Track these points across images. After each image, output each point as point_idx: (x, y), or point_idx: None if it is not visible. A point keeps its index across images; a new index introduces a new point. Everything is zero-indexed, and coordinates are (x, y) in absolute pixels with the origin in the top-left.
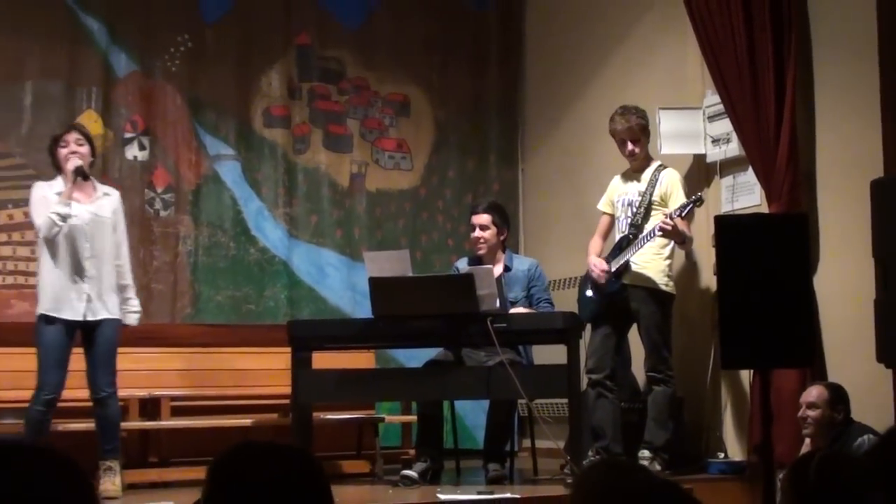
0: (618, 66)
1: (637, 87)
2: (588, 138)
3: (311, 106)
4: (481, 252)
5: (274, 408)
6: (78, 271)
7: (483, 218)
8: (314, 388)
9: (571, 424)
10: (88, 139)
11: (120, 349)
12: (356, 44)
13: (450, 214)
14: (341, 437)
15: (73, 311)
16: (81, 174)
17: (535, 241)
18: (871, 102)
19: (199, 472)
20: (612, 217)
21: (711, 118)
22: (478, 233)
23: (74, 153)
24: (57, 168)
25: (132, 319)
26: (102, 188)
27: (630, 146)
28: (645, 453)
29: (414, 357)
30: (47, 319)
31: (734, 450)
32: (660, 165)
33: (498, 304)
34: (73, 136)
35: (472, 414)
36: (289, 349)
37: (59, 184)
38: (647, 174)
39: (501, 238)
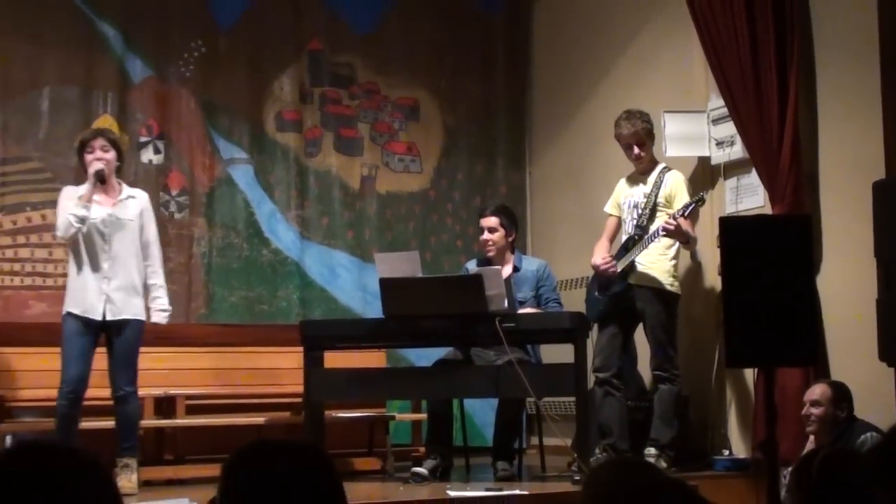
0: (623, 71)
1: (642, 91)
2: (594, 141)
3: (323, 110)
4: (490, 254)
5: (287, 406)
6: (97, 271)
7: (491, 220)
8: (326, 387)
9: (579, 422)
10: (114, 144)
11: None
12: (367, 49)
13: (458, 216)
14: (353, 434)
15: (93, 310)
16: (101, 178)
17: (543, 243)
18: (873, 105)
19: (213, 470)
20: (619, 219)
21: (715, 121)
22: (486, 235)
23: (100, 159)
24: (83, 171)
25: (160, 317)
26: (129, 191)
27: (636, 150)
28: (651, 451)
29: (424, 356)
30: (70, 318)
31: (739, 447)
32: (665, 168)
33: (506, 304)
34: (98, 143)
35: (481, 412)
36: (301, 349)
37: (85, 188)
38: (652, 177)
39: (510, 240)
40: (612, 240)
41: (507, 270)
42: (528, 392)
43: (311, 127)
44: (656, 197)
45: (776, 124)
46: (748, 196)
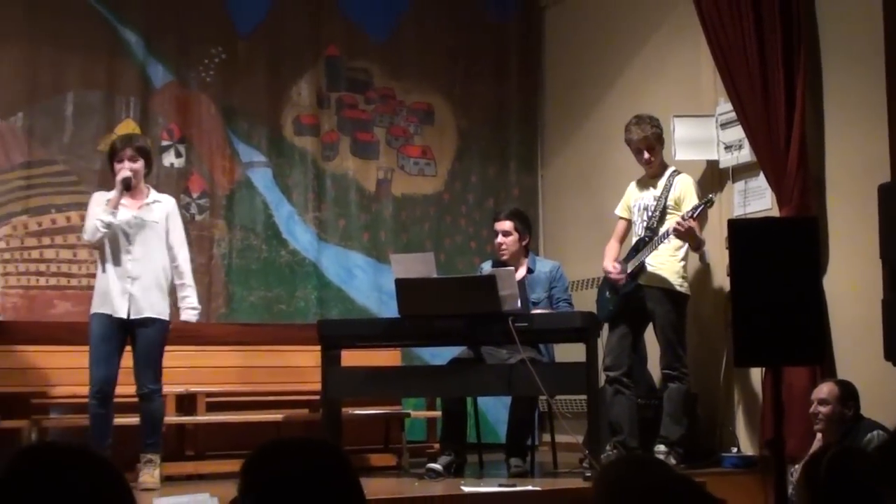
0: (633, 76)
1: (652, 96)
2: (605, 145)
3: (340, 114)
4: (504, 257)
5: (304, 403)
6: (122, 272)
7: (505, 224)
8: (343, 385)
9: (590, 420)
10: (143, 152)
11: None
12: (382, 55)
13: (472, 218)
14: (369, 431)
15: (117, 308)
16: (127, 186)
17: (554, 245)
18: (879, 109)
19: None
20: (629, 221)
21: (724, 125)
22: (500, 238)
23: (127, 168)
24: (114, 177)
25: (190, 315)
26: (155, 195)
27: (646, 154)
28: (660, 448)
29: (438, 355)
30: (96, 317)
31: (747, 444)
32: (674, 171)
33: (519, 304)
34: (127, 153)
35: (494, 409)
36: (319, 347)
37: (113, 194)
38: (662, 180)
39: (523, 243)
40: (621, 242)
41: (520, 272)
42: (540, 390)
43: (329, 131)
44: (666, 200)
45: (783, 128)
46: (756, 199)
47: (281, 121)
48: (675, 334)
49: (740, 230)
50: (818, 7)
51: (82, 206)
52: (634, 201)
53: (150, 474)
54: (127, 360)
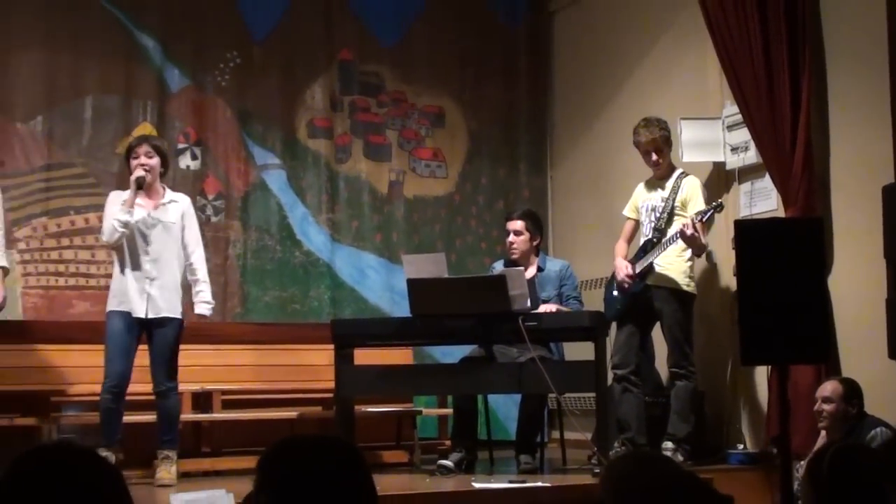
0: (641, 79)
1: (660, 99)
2: (613, 147)
3: (352, 118)
4: (514, 256)
5: (318, 401)
6: (139, 271)
7: (517, 224)
8: (356, 383)
9: (598, 417)
10: (159, 151)
11: None
12: (394, 59)
13: (482, 219)
14: (381, 428)
15: (135, 308)
16: (140, 185)
17: (563, 245)
18: (883, 112)
19: (248, 462)
20: (637, 222)
21: (730, 128)
22: (512, 238)
23: (143, 164)
24: (129, 174)
25: (204, 309)
26: (171, 195)
27: (654, 156)
28: (668, 444)
29: (449, 354)
30: (113, 315)
31: (753, 441)
32: (682, 173)
33: (529, 303)
34: (143, 149)
35: (504, 407)
36: (332, 346)
37: (129, 193)
38: (670, 182)
39: (535, 244)
40: (629, 241)
41: (531, 271)
42: (549, 388)
43: (342, 134)
44: (674, 201)
45: (789, 130)
46: (762, 200)
47: (295, 124)
48: (682, 333)
49: (746, 231)
50: (823, 11)
51: (101, 208)
52: (642, 202)
53: (167, 470)
54: (141, 358)
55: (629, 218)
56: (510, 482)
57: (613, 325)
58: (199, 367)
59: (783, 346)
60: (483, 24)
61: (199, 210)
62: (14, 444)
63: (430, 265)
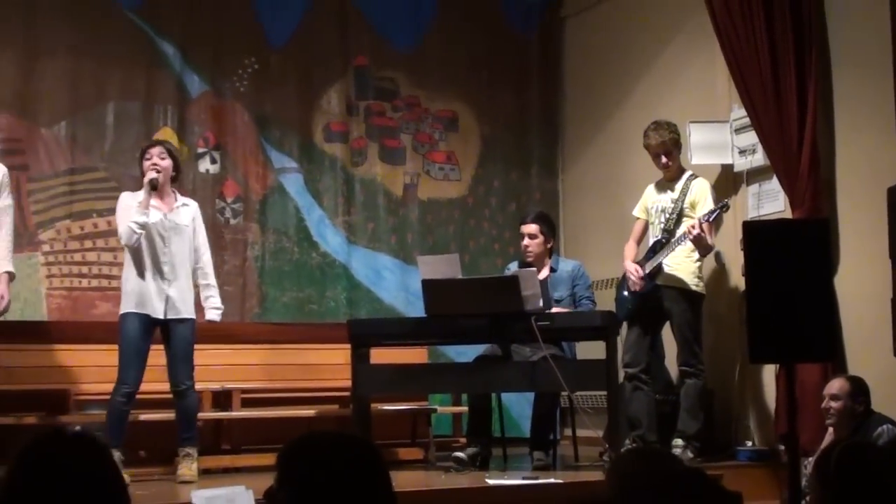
0: (651, 84)
1: (669, 103)
2: (624, 150)
3: (368, 122)
4: (529, 258)
5: (335, 399)
6: (158, 273)
7: (531, 227)
8: (372, 382)
9: (610, 415)
10: (171, 154)
11: (195, 346)
12: (409, 65)
13: (495, 221)
14: (397, 426)
15: (154, 310)
16: (153, 186)
17: (575, 246)
18: (887, 115)
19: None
20: (646, 223)
21: (738, 131)
22: (527, 241)
23: (156, 166)
24: (142, 177)
25: (214, 315)
26: (182, 199)
27: (663, 159)
28: (678, 441)
29: (463, 353)
30: (130, 318)
31: (761, 438)
32: (691, 175)
33: (541, 303)
34: (156, 150)
35: (518, 405)
36: (349, 345)
37: (142, 194)
38: (679, 184)
39: (549, 246)
40: (639, 242)
41: (544, 272)
42: (561, 386)
43: (357, 138)
44: (683, 203)
45: (795, 133)
46: (769, 201)
47: (312, 128)
48: (691, 332)
49: (754, 232)
50: (828, 16)
51: None
52: (652, 203)
53: (188, 468)
54: (155, 357)
55: (639, 219)
56: (524, 478)
57: (624, 324)
58: (220, 366)
59: (790, 344)
60: (495, 30)
61: (219, 213)
62: None
63: (444, 266)
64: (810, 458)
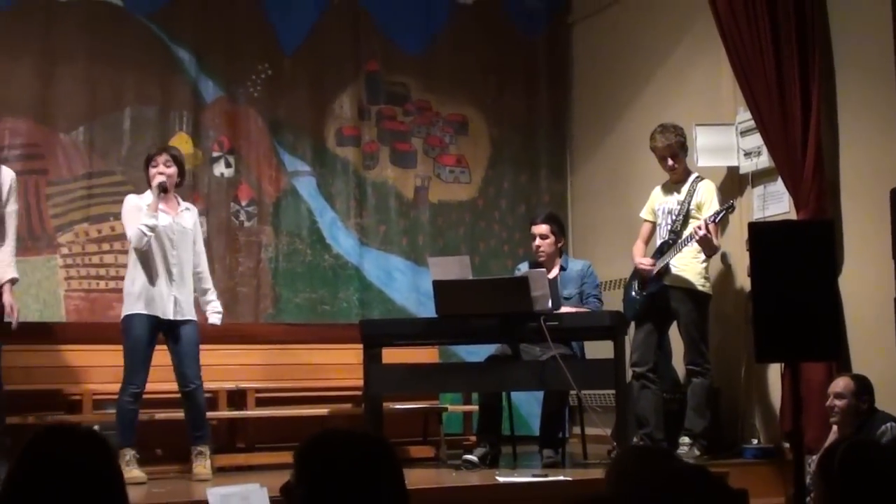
0: (657, 87)
1: (675, 106)
2: (631, 153)
3: (379, 126)
4: (541, 258)
5: (348, 398)
6: (167, 275)
7: (542, 228)
8: (384, 381)
9: (618, 413)
10: (177, 160)
11: (210, 346)
12: (419, 70)
13: (505, 223)
14: (408, 424)
15: (164, 311)
16: (163, 189)
17: (583, 247)
18: (890, 118)
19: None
20: (653, 224)
21: (743, 133)
22: (538, 241)
23: (162, 173)
24: (148, 183)
25: (216, 319)
26: (184, 203)
27: (670, 161)
28: (685, 439)
29: (474, 352)
30: (137, 319)
31: (767, 436)
32: (697, 177)
33: (550, 303)
34: (162, 158)
35: (527, 404)
36: (361, 346)
37: (148, 197)
38: (685, 185)
39: (559, 245)
40: (646, 243)
41: (554, 272)
42: (570, 385)
43: (369, 142)
44: (689, 204)
45: (800, 136)
46: (774, 203)
47: (324, 132)
48: (697, 332)
49: (760, 233)
50: (831, 20)
51: None
52: (659, 205)
53: (202, 465)
54: (165, 358)
55: (646, 220)
56: (533, 476)
57: (632, 324)
58: (234, 366)
59: (796, 343)
60: (505, 35)
61: (233, 216)
62: None
63: (454, 267)
64: (814, 456)
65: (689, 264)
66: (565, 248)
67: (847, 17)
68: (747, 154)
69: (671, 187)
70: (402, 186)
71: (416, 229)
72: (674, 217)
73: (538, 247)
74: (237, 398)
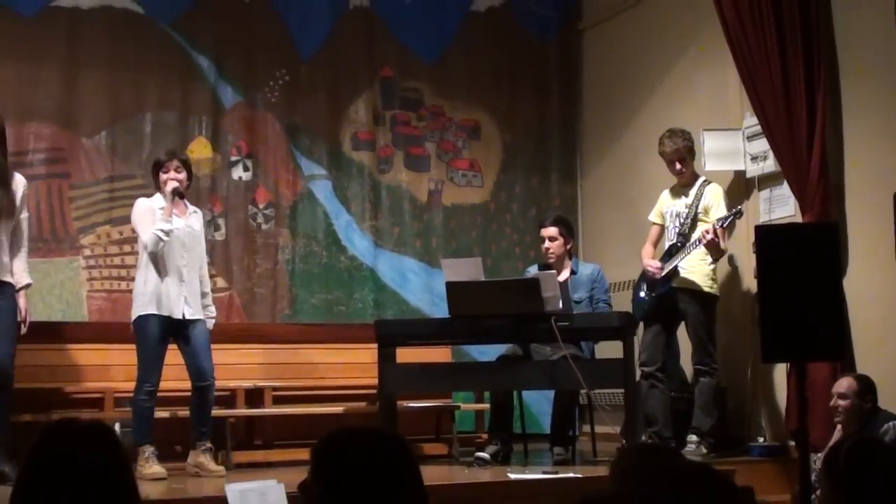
0: (666, 93)
1: (683, 111)
2: (640, 157)
3: (394, 131)
4: (550, 260)
5: (363, 397)
6: (178, 276)
7: (551, 230)
8: (398, 380)
9: (627, 412)
10: (186, 165)
11: (228, 345)
12: (433, 76)
13: (516, 226)
14: (422, 422)
15: (175, 311)
16: (178, 194)
17: (593, 250)
18: (893, 123)
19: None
20: (662, 227)
21: (750, 138)
22: (547, 244)
23: (174, 179)
24: (157, 188)
25: (210, 323)
26: (191, 207)
27: (678, 166)
28: (692, 438)
29: (486, 352)
30: (151, 319)
31: (773, 435)
32: (705, 181)
33: (561, 304)
34: (173, 164)
35: (538, 402)
36: (375, 345)
37: (158, 200)
38: (693, 189)
39: (568, 247)
40: (655, 245)
41: (564, 274)
42: (580, 384)
43: (384, 146)
44: (697, 208)
45: (805, 140)
46: (780, 206)
47: (340, 137)
48: (705, 332)
49: (766, 235)
50: (837, 27)
51: None
52: (667, 208)
53: (213, 461)
54: (177, 357)
55: (655, 223)
56: (544, 473)
57: (641, 324)
58: (252, 364)
59: (801, 344)
60: (517, 42)
61: (251, 218)
62: None
63: (467, 269)
64: (820, 454)
65: (696, 266)
66: (574, 250)
67: (852, 23)
68: (754, 158)
69: (679, 191)
70: (415, 190)
71: (430, 232)
72: (682, 220)
73: (547, 249)
74: (255, 396)
